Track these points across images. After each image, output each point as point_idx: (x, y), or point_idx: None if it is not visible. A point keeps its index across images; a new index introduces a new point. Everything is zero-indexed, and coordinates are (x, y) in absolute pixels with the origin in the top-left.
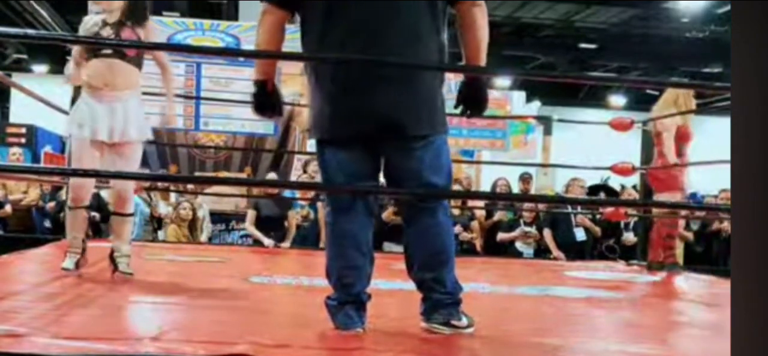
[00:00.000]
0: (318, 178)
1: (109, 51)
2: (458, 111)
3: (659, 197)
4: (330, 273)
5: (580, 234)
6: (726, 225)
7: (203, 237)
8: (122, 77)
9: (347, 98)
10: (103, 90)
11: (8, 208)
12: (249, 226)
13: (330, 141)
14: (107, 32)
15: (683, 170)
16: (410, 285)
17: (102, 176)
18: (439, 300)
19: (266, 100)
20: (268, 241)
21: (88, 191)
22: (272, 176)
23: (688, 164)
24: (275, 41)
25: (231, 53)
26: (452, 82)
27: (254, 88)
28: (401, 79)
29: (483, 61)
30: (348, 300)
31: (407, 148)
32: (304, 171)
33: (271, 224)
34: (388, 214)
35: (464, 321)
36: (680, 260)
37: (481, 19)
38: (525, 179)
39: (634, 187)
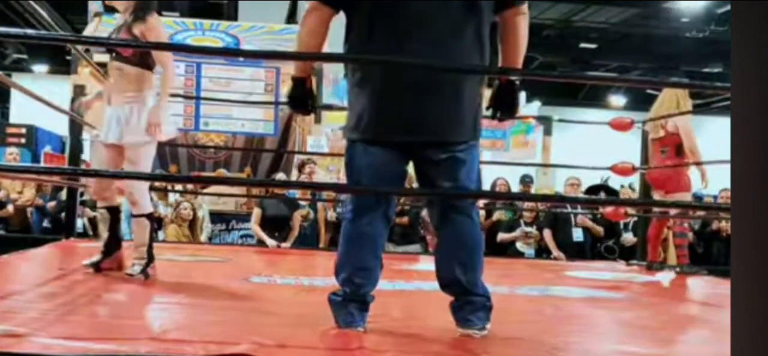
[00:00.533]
0: (316, 178)
1: (114, 55)
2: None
3: (671, 197)
4: (339, 270)
5: (578, 234)
6: (725, 225)
7: (203, 237)
8: (128, 81)
9: (393, 101)
10: (112, 95)
11: (10, 208)
12: (254, 226)
13: (368, 142)
14: (113, 37)
15: (687, 170)
16: (411, 285)
17: (102, 176)
18: (477, 302)
19: (303, 97)
20: (270, 242)
21: (110, 191)
22: (281, 176)
23: (700, 164)
24: (320, 39)
25: (231, 53)
26: None
27: (292, 84)
28: (448, 85)
29: (519, 67)
30: (354, 299)
31: (448, 154)
32: (300, 171)
33: (276, 224)
34: None
35: (489, 327)
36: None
37: (523, 28)
38: (526, 182)
39: (630, 186)
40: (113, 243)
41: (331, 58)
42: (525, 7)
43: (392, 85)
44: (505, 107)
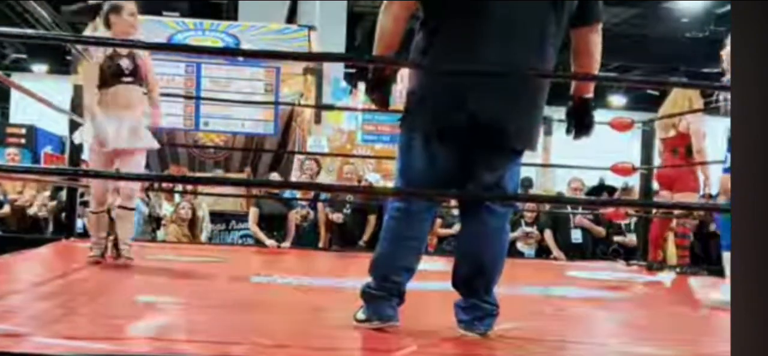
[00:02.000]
0: (317, 178)
1: (129, 79)
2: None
3: (678, 197)
4: (379, 265)
5: (576, 235)
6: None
7: (203, 237)
8: (139, 98)
9: (461, 93)
10: (123, 108)
11: (7, 208)
12: (252, 225)
13: (430, 134)
14: (125, 64)
15: (698, 170)
16: (409, 285)
17: (103, 177)
18: (486, 309)
19: (381, 83)
20: (269, 242)
21: (109, 195)
22: (275, 176)
23: (705, 163)
24: (401, 31)
25: (231, 53)
26: None
27: (371, 71)
28: (524, 91)
29: (591, 85)
30: (392, 294)
31: (507, 158)
32: (301, 171)
33: (273, 222)
34: None
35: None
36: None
37: (597, 45)
38: (525, 186)
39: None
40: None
41: (331, 58)
42: (600, 25)
43: (468, 83)
44: (581, 125)
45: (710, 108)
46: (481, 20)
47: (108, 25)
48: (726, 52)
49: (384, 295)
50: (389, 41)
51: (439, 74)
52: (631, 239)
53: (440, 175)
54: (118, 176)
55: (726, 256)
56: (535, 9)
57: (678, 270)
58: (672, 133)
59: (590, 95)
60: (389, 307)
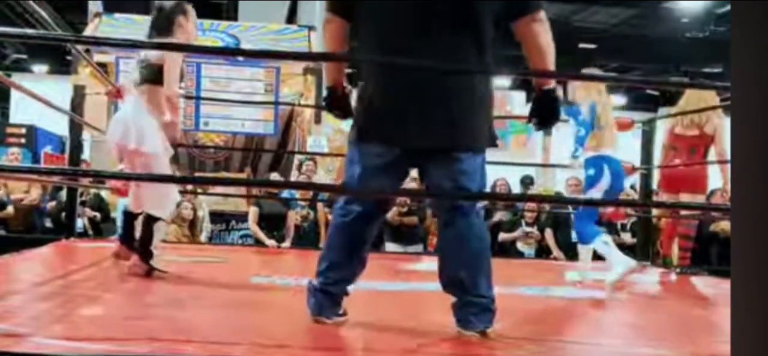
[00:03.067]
0: (315, 178)
1: (154, 80)
2: (532, 125)
3: (685, 197)
4: (321, 261)
5: (575, 235)
6: (724, 226)
7: (203, 237)
8: (158, 98)
9: (394, 106)
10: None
11: (10, 209)
12: (252, 225)
13: (369, 144)
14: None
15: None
16: (411, 286)
17: (105, 177)
18: (480, 304)
19: (337, 103)
20: (269, 242)
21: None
22: (275, 176)
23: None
24: (341, 47)
25: (231, 53)
26: None
27: (326, 93)
28: (451, 94)
29: (551, 81)
30: (328, 291)
31: (451, 160)
32: (299, 171)
33: (273, 222)
34: (393, 214)
35: (493, 329)
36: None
37: (542, 35)
38: (526, 183)
39: (632, 186)
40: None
41: (331, 58)
42: (540, 14)
43: (393, 90)
44: (544, 116)
45: (725, 105)
46: (397, 30)
47: (171, 27)
48: None
49: (321, 291)
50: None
51: (370, 89)
52: (626, 238)
53: (385, 184)
54: (120, 176)
55: (581, 248)
56: (455, 11)
57: (678, 270)
58: (695, 132)
59: (551, 85)
60: (321, 303)
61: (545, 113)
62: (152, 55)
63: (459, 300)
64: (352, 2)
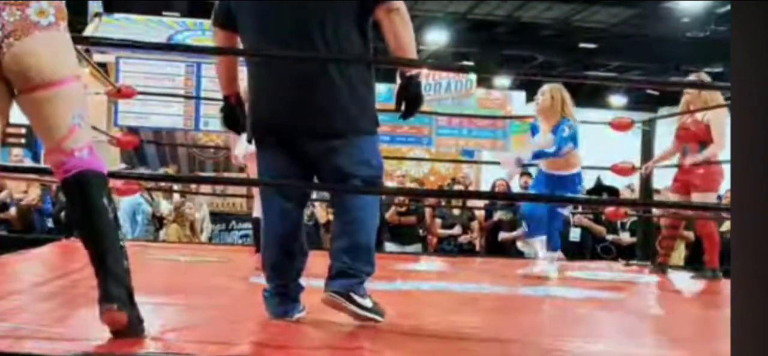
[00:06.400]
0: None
1: None
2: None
3: (697, 197)
4: (264, 265)
5: (574, 234)
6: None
7: (203, 237)
8: None
9: (267, 100)
10: None
11: (13, 211)
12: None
13: (259, 141)
14: None
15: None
16: (409, 285)
17: (117, 178)
18: (342, 269)
19: (230, 114)
20: None
21: None
22: None
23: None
24: (230, 59)
25: (231, 53)
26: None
27: (222, 103)
28: (318, 79)
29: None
30: (277, 291)
31: (327, 146)
32: None
33: None
34: (390, 214)
35: (368, 304)
36: (681, 260)
37: (399, 26)
38: (525, 178)
39: (630, 187)
40: None
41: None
42: (395, 3)
43: (264, 85)
44: (406, 104)
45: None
46: (265, 29)
47: None
48: None
49: (272, 294)
50: (223, 68)
51: (248, 90)
52: (624, 237)
53: (283, 174)
54: (120, 176)
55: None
56: (320, 13)
57: (710, 274)
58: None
59: (413, 72)
60: (275, 303)
61: (407, 100)
62: None
63: (331, 266)
64: (232, 14)
